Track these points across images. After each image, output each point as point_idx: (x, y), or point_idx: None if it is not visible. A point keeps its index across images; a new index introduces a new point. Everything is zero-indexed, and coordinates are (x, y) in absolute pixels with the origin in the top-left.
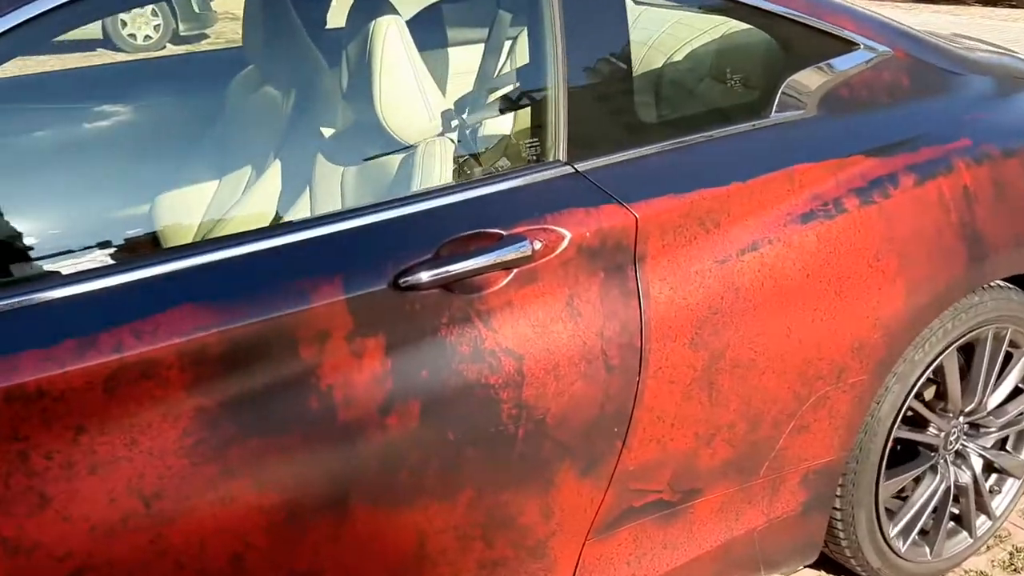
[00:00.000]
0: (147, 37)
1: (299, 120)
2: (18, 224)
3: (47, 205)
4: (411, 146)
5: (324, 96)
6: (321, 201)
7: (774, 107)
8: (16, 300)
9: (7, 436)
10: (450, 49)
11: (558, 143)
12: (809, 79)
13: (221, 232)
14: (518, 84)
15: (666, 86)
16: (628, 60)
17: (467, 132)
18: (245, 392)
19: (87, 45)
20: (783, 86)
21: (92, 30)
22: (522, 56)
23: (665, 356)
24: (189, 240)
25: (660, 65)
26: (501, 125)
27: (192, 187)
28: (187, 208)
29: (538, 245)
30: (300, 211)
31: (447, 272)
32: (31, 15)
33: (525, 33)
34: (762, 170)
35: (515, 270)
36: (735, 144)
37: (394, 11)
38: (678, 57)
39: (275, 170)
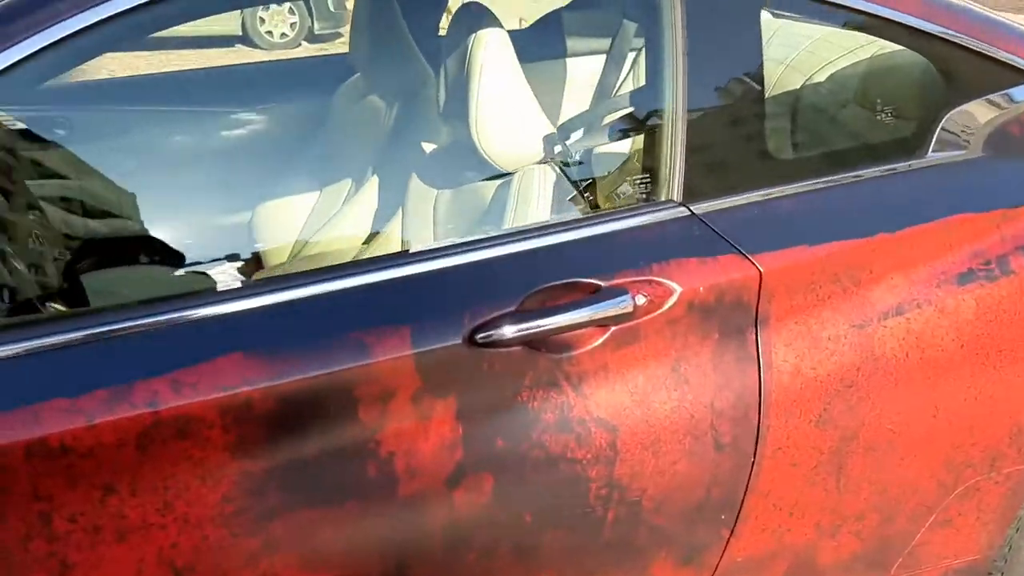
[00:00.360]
0: (283, 35)
1: (399, 134)
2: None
3: (148, 210)
4: (507, 174)
5: (426, 111)
6: (413, 225)
7: (931, 145)
8: (41, 341)
9: (27, 495)
10: (570, 60)
11: (672, 179)
12: (974, 114)
13: (315, 251)
14: (631, 108)
15: (803, 114)
16: (760, 83)
17: (571, 161)
18: (295, 457)
19: (226, 41)
20: (943, 120)
21: (232, 26)
22: (641, 74)
23: (786, 435)
24: (285, 256)
25: (797, 87)
26: (609, 156)
27: (293, 197)
28: (286, 219)
29: (642, 300)
30: (392, 233)
31: (533, 328)
32: (116, 11)
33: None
34: (914, 220)
35: (613, 328)
36: (883, 187)
37: (495, 23)
38: (819, 79)
39: (372, 186)
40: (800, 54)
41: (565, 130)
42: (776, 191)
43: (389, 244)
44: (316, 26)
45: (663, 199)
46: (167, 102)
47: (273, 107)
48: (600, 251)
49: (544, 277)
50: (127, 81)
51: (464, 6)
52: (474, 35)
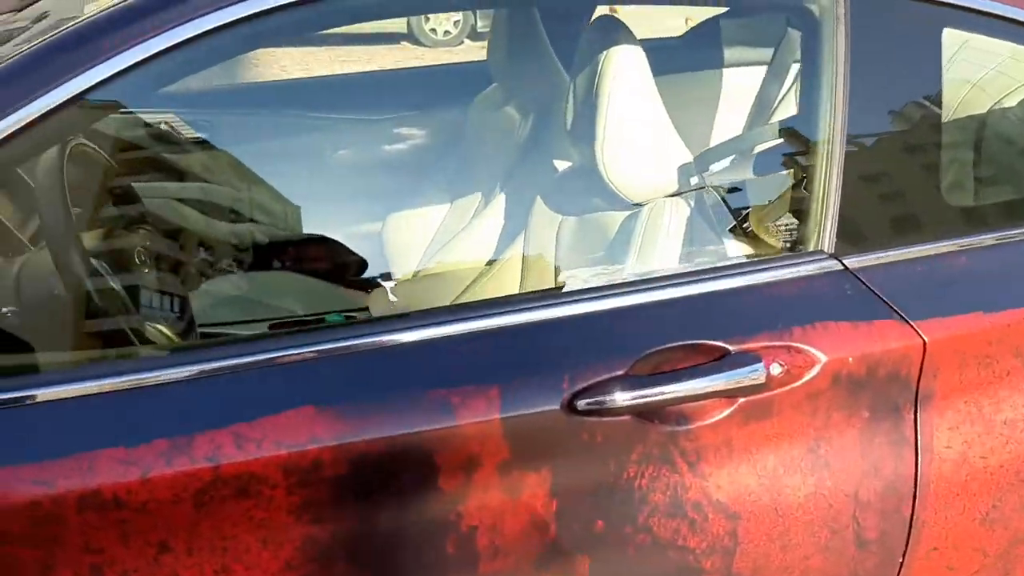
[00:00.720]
0: (447, 32)
1: (530, 151)
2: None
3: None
4: (636, 206)
5: (558, 128)
6: (534, 253)
7: None
8: (101, 382)
9: (78, 547)
10: (728, 71)
11: (823, 226)
12: None
13: (437, 269)
14: (780, 136)
15: (989, 147)
16: (936, 114)
17: (707, 196)
18: (366, 524)
19: (392, 38)
20: None
21: (398, 24)
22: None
23: (945, 533)
24: (410, 271)
25: (983, 113)
26: (751, 193)
27: (424, 209)
28: (415, 231)
29: (777, 369)
30: (512, 259)
31: (646, 396)
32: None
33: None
34: None
35: (741, 400)
36: None
37: (629, 39)
38: (1010, 103)
39: (499, 203)
40: (988, 73)
41: (704, 159)
42: (949, 244)
43: (509, 272)
44: (479, 24)
45: (811, 249)
46: (302, 108)
47: (411, 115)
48: (732, 308)
49: (662, 336)
50: (263, 87)
51: (599, 18)
52: (605, 52)
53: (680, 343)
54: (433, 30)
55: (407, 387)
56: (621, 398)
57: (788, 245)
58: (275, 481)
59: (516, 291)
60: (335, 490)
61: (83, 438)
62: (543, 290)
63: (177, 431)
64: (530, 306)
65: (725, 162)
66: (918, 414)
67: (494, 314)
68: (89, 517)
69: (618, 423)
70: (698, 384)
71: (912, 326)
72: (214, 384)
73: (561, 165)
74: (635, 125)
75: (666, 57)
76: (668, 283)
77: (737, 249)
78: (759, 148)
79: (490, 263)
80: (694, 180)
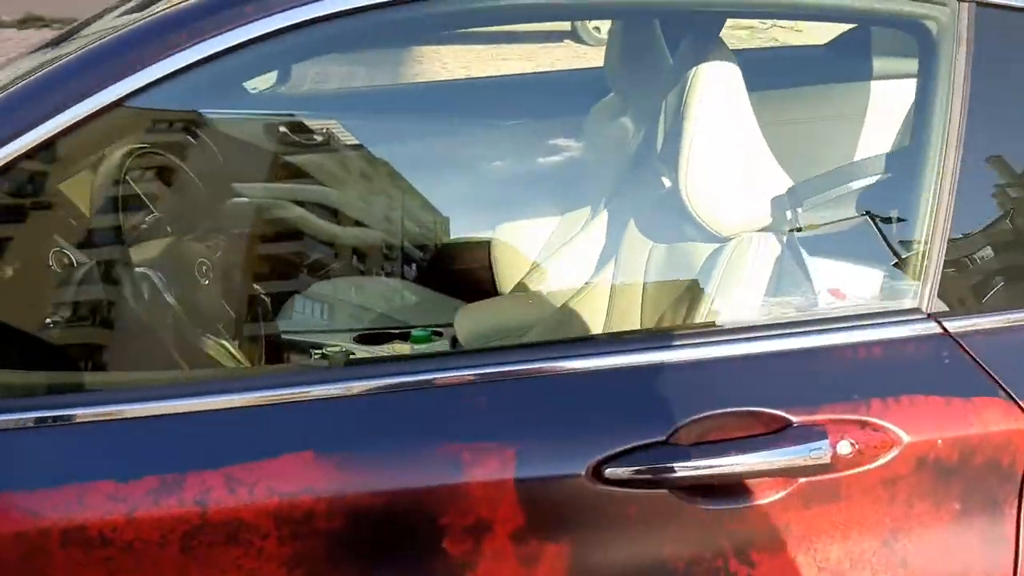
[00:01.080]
0: (610, 31)
1: (635, 168)
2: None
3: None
4: (722, 239)
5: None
6: (623, 280)
7: None
8: (103, 409)
9: None
10: (877, 84)
11: (923, 280)
12: None
13: (536, 286)
14: (885, 172)
15: None
16: None
17: (797, 235)
18: None
19: (555, 37)
20: None
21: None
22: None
23: None
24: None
25: None
26: (845, 235)
27: (534, 220)
28: (524, 243)
29: (847, 448)
30: (601, 285)
31: (688, 468)
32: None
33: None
34: None
35: (801, 480)
36: None
37: (725, 55)
38: None
39: (601, 222)
40: None
41: (800, 191)
42: None
43: (597, 297)
44: None
45: (906, 307)
46: (419, 113)
47: (530, 121)
48: (800, 371)
49: (712, 399)
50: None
51: (692, 32)
52: (695, 68)
53: (733, 409)
54: (596, 28)
55: (416, 438)
56: (658, 469)
57: (878, 300)
58: (266, 530)
59: (603, 319)
60: (330, 545)
61: (77, 468)
62: (576, 338)
63: (168, 468)
64: (557, 355)
65: (826, 195)
66: (1022, 511)
67: (511, 362)
68: (74, 554)
69: (653, 497)
70: (751, 459)
71: (1021, 407)
72: (210, 420)
73: (656, 188)
74: (723, 150)
75: (808, 67)
76: (726, 337)
77: (825, 300)
78: (859, 183)
79: (581, 290)
80: (789, 214)
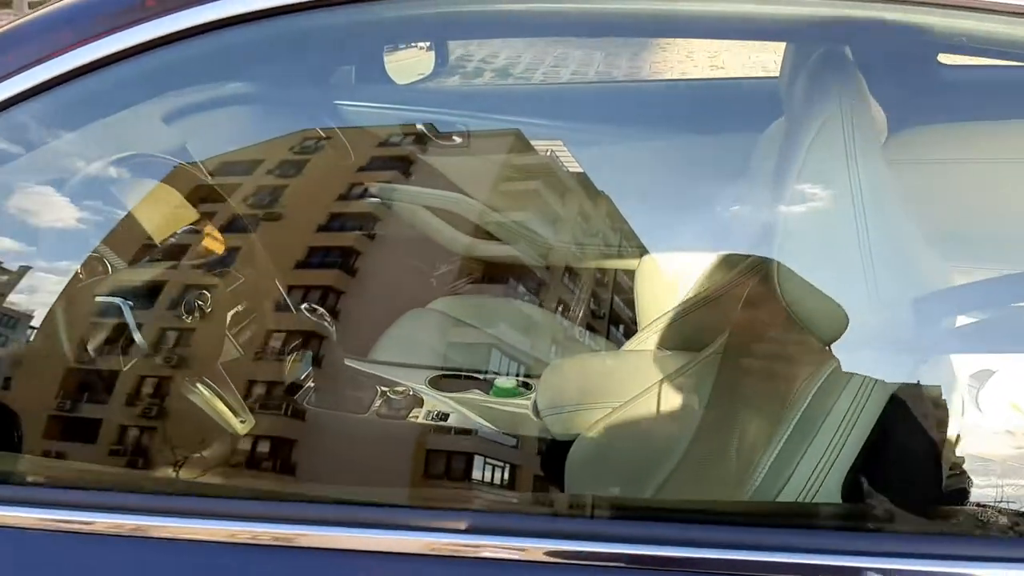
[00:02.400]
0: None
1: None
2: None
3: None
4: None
5: None
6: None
7: None
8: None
9: None
10: None
11: None
12: None
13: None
14: None
15: None
16: None
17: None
18: None
19: None
20: None
21: None
22: None
23: None
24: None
25: None
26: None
27: (681, 254)
28: (666, 281)
29: None
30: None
31: None
32: None
33: None
34: None
35: None
36: None
37: (855, 96)
38: None
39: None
40: None
41: (935, 303)
42: None
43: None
44: None
45: None
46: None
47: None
48: None
49: None
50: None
51: (820, 55)
52: (806, 118)
53: None
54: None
55: None
56: None
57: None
58: None
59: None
60: None
61: None
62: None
63: None
64: None
65: (977, 315)
66: None
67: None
68: None
69: None
70: None
71: None
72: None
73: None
74: (828, 234)
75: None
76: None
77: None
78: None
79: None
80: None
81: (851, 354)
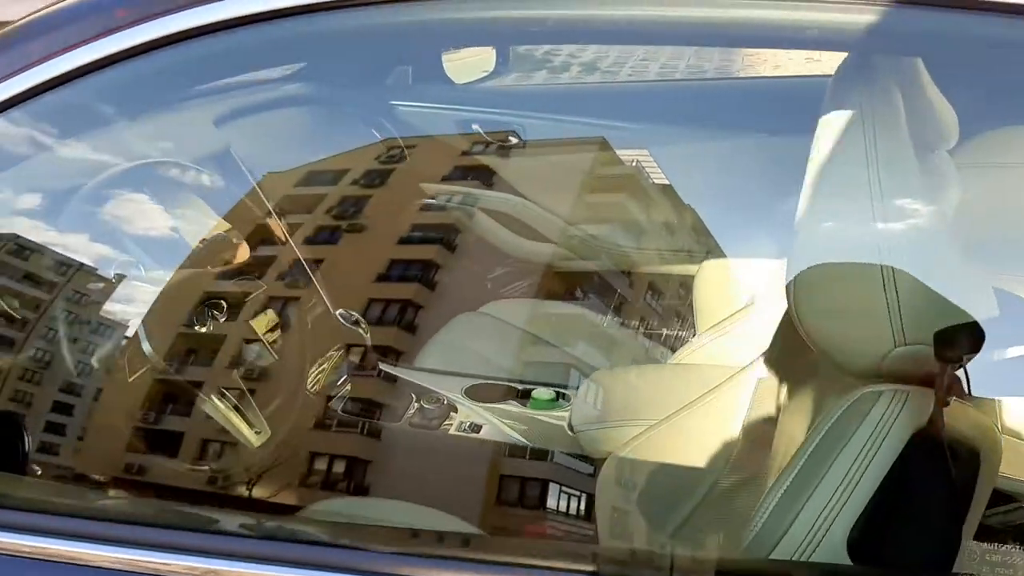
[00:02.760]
0: None
1: None
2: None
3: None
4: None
5: None
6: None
7: None
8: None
9: None
10: None
11: None
12: None
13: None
14: None
15: None
16: None
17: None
18: None
19: None
20: None
21: None
22: None
23: None
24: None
25: None
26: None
27: (744, 260)
28: (727, 286)
29: None
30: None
31: None
32: None
33: None
34: None
35: None
36: None
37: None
38: None
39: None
40: None
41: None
42: None
43: (739, 388)
44: None
45: None
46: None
47: (756, 136)
48: None
49: None
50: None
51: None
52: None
53: None
54: None
55: None
56: None
57: None
58: None
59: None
60: None
61: None
62: None
63: None
64: None
65: None
66: None
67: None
68: None
69: None
70: None
71: None
72: None
73: None
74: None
75: None
76: None
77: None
78: None
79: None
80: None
81: (871, 387)
